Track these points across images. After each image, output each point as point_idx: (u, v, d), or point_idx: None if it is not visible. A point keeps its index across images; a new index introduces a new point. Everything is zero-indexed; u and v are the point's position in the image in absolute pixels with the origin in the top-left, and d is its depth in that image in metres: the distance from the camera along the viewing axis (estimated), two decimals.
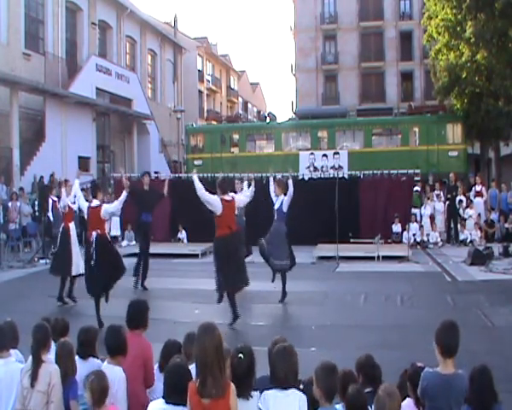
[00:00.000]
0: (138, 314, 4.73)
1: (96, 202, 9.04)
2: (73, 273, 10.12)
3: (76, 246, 10.42)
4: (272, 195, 10.28)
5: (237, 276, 8.42)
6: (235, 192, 10.89)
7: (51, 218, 16.15)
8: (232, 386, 3.32)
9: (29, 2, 24.39)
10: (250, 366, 3.59)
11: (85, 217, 9.41)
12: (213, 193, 8.51)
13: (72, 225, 10.48)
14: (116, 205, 9.18)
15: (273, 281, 10.14)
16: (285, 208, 9.86)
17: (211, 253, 14.58)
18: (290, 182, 9.95)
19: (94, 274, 8.64)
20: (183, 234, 18.22)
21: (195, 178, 8.54)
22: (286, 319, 9.17)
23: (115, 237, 19.00)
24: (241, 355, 3.57)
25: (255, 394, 3.57)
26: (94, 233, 8.74)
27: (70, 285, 10.20)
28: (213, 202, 8.27)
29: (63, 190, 11.02)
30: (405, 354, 5.16)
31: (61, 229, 10.57)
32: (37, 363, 4.00)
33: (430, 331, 3.89)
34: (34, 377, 3.95)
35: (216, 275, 8.52)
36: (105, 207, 8.97)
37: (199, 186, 8.36)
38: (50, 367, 4.04)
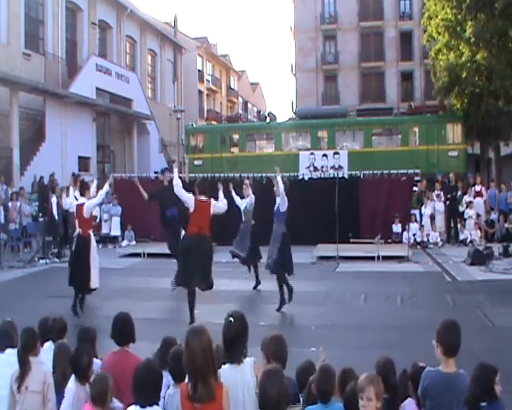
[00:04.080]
0: (127, 328, 4.37)
1: (82, 200, 9.06)
2: (92, 286, 9.44)
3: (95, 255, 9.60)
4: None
5: (185, 275, 8.47)
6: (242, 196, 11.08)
7: (56, 217, 16.16)
8: (224, 388, 3.27)
9: (29, 2, 24.38)
10: (241, 330, 3.56)
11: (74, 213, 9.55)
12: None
13: (91, 233, 9.57)
14: (97, 199, 9.22)
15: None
16: (282, 209, 9.42)
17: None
18: (279, 178, 9.47)
19: (71, 269, 9.09)
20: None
21: (176, 172, 8.72)
22: (286, 318, 9.17)
23: (115, 237, 19.04)
24: (231, 319, 3.55)
25: (247, 360, 3.54)
26: (77, 230, 9.03)
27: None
28: (187, 199, 8.49)
29: (71, 188, 11.04)
30: (405, 354, 5.15)
31: (76, 235, 9.68)
32: (25, 366, 3.99)
33: (430, 331, 3.88)
34: (22, 380, 3.93)
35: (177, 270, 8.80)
36: (87, 203, 9.00)
37: (176, 182, 8.52)
38: (43, 367, 4.06)
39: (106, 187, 9.34)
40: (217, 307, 8.72)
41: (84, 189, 9.30)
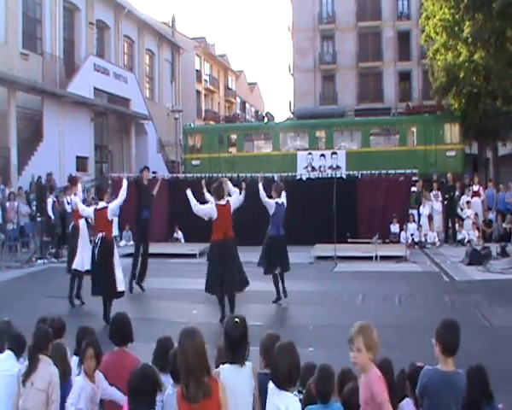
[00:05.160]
0: (125, 328, 4.42)
1: (102, 204, 9.04)
2: (73, 267, 9.95)
3: (85, 243, 10.18)
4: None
5: (236, 277, 8.65)
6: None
7: (52, 217, 16.13)
8: (220, 383, 3.29)
9: (27, 1, 24.33)
10: (244, 333, 3.60)
11: (92, 220, 9.52)
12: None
13: (82, 222, 10.28)
14: (120, 197, 9.21)
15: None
16: (270, 212, 9.84)
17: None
18: (260, 185, 9.82)
19: (96, 275, 8.83)
20: (179, 234, 18.21)
21: (189, 194, 8.84)
22: (284, 319, 9.18)
23: (114, 237, 18.98)
24: (237, 320, 3.60)
25: (248, 363, 3.57)
26: (99, 234, 8.82)
27: (78, 283, 10.11)
28: (209, 210, 8.65)
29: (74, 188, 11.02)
30: (403, 354, 5.15)
31: (71, 227, 10.61)
32: (34, 362, 4.00)
33: (428, 331, 3.88)
34: (29, 375, 3.95)
35: (207, 275, 8.75)
36: (110, 206, 8.97)
37: (193, 203, 8.73)
38: (50, 367, 4.04)
39: (125, 183, 9.39)
40: (215, 307, 8.74)
41: (101, 193, 9.35)
